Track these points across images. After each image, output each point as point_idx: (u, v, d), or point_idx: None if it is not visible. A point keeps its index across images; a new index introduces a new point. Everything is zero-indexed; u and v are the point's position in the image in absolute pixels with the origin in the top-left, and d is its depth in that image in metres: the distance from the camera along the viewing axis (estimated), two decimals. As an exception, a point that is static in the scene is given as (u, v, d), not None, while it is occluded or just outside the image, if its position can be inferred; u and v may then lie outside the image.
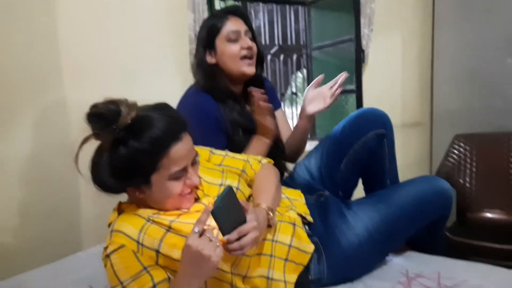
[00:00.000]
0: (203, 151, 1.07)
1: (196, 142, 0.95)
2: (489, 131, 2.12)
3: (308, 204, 1.13)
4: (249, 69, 1.32)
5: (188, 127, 0.89)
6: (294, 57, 2.79)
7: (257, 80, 1.37)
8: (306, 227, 1.06)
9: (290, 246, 0.99)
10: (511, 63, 2.05)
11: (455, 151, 2.11)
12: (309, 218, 1.09)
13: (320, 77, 1.38)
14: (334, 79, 1.33)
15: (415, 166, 2.46)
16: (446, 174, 2.05)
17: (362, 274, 1.08)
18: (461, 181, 2.03)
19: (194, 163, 0.91)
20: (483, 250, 1.64)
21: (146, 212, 0.89)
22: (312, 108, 1.33)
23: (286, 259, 0.98)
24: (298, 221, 1.05)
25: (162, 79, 1.79)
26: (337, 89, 1.31)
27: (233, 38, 1.30)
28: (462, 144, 2.11)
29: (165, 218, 0.89)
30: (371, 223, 1.07)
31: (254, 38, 1.36)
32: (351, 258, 1.04)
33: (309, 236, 1.04)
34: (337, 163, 1.24)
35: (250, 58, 1.32)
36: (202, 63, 1.33)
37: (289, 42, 2.84)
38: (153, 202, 0.90)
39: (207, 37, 1.32)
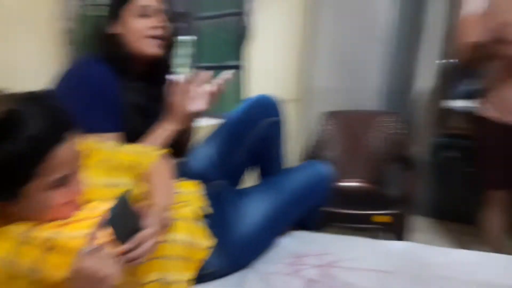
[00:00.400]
0: (89, 145, 0.92)
1: (85, 120, 0.82)
2: (353, 109, 2.39)
3: (205, 194, 1.11)
4: (153, 49, 1.16)
5: (73, 126, 0.75)
6: (180, 25, 2.62)
7: (162, 64, 1.24)
8: (205, 219, 1.04)
9: (186, 243, 0.95)
10: (376, 50, 2.31)
11: (324, 127, 2.33)
12: (207, 210, 1.06)
13: (205, 74, 1.23)
14: (216, 79, 1.24)
15: (289, 141, 2.62)
16: (316, 148, 2.27)
17: (255, 260, 1.11)
18: (328, 154, 2.26)
19: (78, 166, 0.78)
20: (346, 216, 1.87)
21: (18, 229, 0.73)
22: (193, 107, 1.20)
23: (182, 258, 0.94)
24: (195, 216, 1.02)
25: (18, 46, 1.47)
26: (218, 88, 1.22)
27: (143, 14, 1.13)
28: (330, 121, 2.34)
29: (44, 233, 0.74)
30: (265, 211, 1.10)
31: (169, 19, 1.19)
32: (248, 246, 1.07)
33: (207, 228, 1.02)
34: (232, 152, 1.22)
35: (159, 38, 1.17)
36: (101, 31, 1.15)
37: (175, 10, 2.64)
38: (28, 215, 0.74)
39: (114, 4, 1.15)
